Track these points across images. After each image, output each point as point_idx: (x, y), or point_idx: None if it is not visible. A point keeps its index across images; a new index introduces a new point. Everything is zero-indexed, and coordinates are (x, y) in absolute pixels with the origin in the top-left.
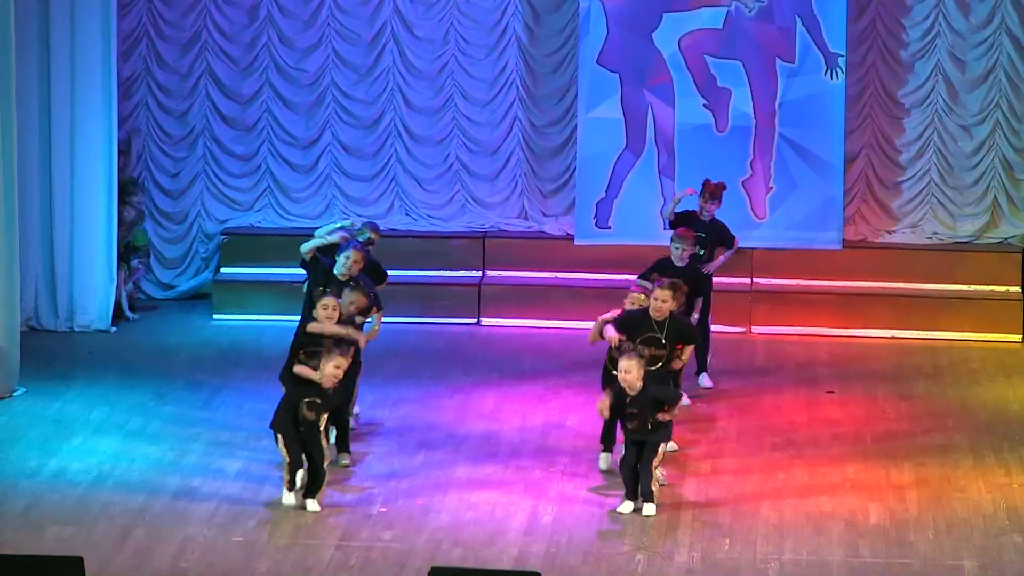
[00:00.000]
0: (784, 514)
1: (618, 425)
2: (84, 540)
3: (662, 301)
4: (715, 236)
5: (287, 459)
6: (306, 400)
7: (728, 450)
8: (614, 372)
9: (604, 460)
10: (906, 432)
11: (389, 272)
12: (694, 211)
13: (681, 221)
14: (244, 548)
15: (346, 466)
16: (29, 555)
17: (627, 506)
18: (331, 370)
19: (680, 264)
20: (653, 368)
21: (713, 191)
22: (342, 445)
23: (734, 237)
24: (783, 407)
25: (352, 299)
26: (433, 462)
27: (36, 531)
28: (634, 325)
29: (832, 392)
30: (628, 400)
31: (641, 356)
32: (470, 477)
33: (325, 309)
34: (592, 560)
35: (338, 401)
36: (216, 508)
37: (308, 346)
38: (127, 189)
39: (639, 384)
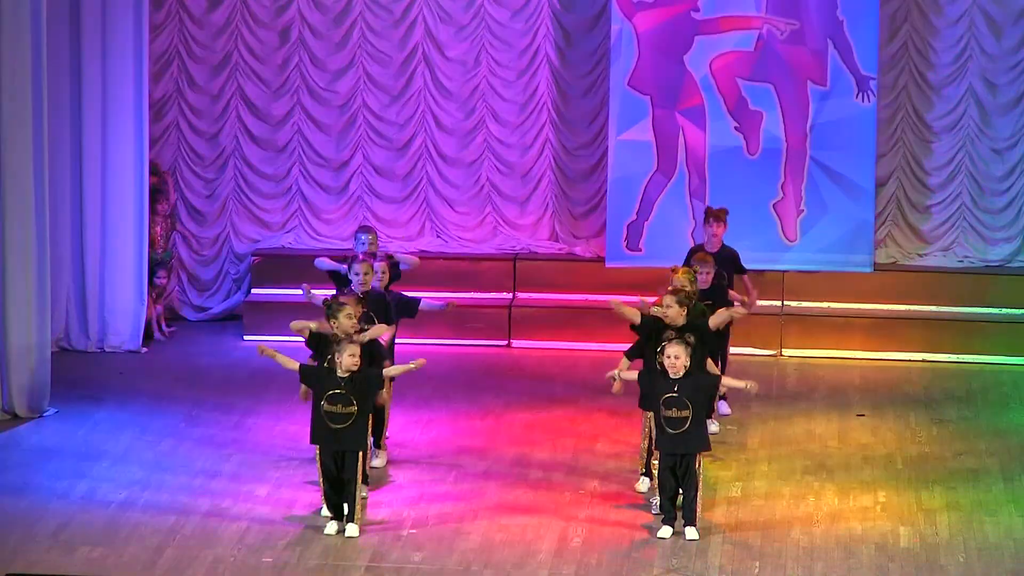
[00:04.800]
0: (815, 537)
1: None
2: (115, 561)
3: (666, 307)
4: (727, 266)
5: (320, 474)
6: (329, 393)
7: (759, 473)
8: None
9: (643, 483)
10: (937, 456)
11: (420, 295)
12: (701, 244)
13: (693, 255)
14: (274, 569)
15: (376, 468)
16: None
17: (666, 531)
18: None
19: (703, 287)
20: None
21: (716, 215)
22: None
23: (744, 271)
24: (814, 431)
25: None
26: (464, 484)
27: (67, 552)
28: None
29: (863, 416)
30: (672, 384)
31: (688, 343)
32: (500, 499)
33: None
34: None
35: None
36: (246, 529)
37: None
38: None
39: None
